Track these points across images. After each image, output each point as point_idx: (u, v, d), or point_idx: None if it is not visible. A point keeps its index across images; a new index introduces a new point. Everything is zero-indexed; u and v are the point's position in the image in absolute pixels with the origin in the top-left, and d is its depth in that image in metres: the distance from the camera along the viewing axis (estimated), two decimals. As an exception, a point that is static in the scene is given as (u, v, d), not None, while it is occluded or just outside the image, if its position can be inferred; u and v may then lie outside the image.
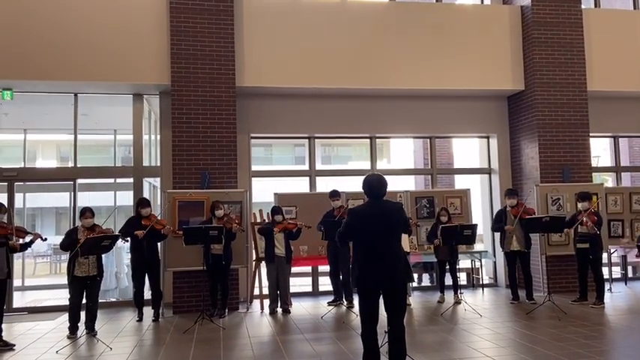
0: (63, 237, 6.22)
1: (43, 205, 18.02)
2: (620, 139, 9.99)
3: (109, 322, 6.91)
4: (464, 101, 9.12)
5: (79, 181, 8.29)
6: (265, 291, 7.59)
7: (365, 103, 8.81)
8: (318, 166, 9.13)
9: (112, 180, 9.98)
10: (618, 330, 5.87)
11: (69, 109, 8.19)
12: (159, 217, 7.05)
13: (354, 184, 9.66)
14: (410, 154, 14.37)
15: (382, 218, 4.13)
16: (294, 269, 7.74)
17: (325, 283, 8.59)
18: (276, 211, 7.35)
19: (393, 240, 4.19)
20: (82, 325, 6.14)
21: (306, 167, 9.08)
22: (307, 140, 9.02)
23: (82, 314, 6.16)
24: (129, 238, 6.70)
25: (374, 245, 4.11)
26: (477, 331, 5.87)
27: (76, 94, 8.15)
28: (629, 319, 6.35)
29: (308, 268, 8.83)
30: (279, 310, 7.26)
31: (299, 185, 9.29)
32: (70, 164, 8.31)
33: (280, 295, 7.28)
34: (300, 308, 7.55)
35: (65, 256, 6.21)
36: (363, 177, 4.31)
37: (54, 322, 7.03)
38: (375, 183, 4.21)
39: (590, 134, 8.72)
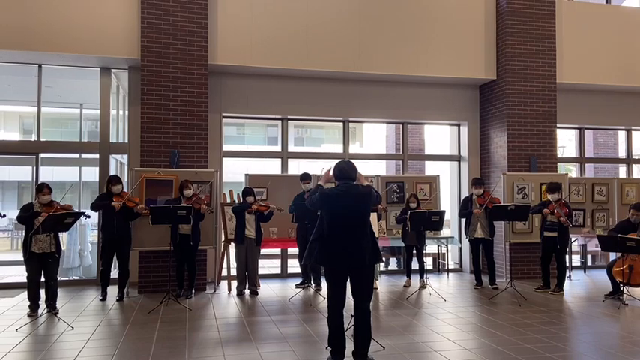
0: (19, 212, 6.01)
1: (5, 178, 17.48)
2: (585, 131, 10.25)
3: (72, 301, 6.78)
4: (437, 88, 9.18)
5: (42, 155, 8.03)
6: (233, 272, 7.56)
7: (339, 86, 8.77)
8: (291, 148, 9.06)
9: (77, 155, 9.70)
10: (576, 317, 6.07)
11: (33, 80, 7.87)
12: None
13: (325, 168, 9.65)
14: (382, 138, 14.44)
15: (352, 200, 4.19)
16: (263, 251, 7.72)
17: (294, 266, 8.62)
18: (247, 192, 7.30)
19: (363, 222, 4.23)
20: (43, 304, 6.00)
21: (278, 149, 9.01)
22: (280, 122, 8.94)
23: (43, 292, 6.01)
24: (89, 214, 6.54)
25: (342, 227, 4.14)
26: (441, 315, 6.00)
27: (40, 65, 7.83)
28: (586, 306, 6.58)
29: (277, 250, 8.84)
30: (247, 291, 7.26)
31: (271, 166, 9.22)
32: (34, 137, 8.02)
33: (248, 277, 7.27)
34: (267, 290, 7.55)
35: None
36: (335, 160, 4.36)
37: (14, 299, 6.85)
38: (344, 166, 4.35)
39: (557, 125, 8.92)
